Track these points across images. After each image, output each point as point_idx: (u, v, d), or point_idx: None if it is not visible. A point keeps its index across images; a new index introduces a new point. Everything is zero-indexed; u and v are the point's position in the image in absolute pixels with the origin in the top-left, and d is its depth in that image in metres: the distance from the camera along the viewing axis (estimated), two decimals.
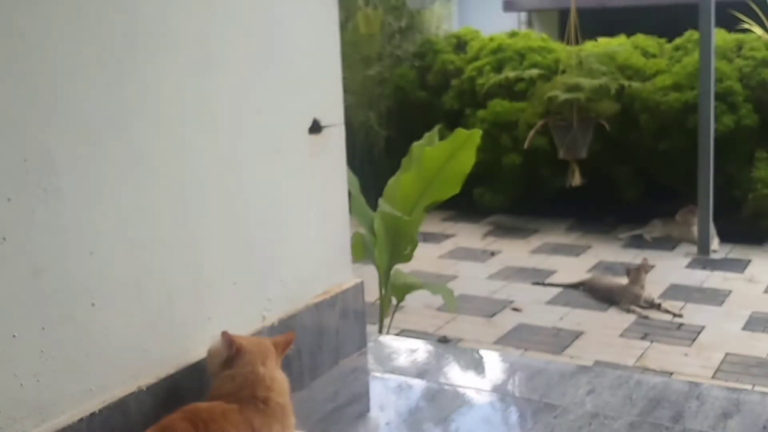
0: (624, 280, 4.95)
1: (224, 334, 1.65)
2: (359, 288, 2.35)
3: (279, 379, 1.63)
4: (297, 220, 2.14)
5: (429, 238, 6.37)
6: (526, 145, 6.18)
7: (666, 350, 4.12)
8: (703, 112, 5.49)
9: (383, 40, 7.07)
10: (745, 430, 1.89)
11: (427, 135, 3.36)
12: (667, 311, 4.58)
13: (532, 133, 6.10)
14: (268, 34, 1.99)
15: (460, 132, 3.17)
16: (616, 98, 6.02)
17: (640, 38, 6.41)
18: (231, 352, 1.63)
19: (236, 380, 1.60)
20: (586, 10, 7.15)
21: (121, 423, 1.63)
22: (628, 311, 4.63)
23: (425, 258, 5.87)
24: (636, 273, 4.72)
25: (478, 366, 2.43)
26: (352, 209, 3.12)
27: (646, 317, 4.55)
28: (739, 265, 5.45)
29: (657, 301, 4.66)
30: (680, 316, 4.53)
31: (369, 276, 4.44)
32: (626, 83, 6.05)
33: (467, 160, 3.13)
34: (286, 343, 1.69)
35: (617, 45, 6.36)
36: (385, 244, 3.22)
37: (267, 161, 2.01)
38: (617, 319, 4.58)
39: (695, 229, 5.75)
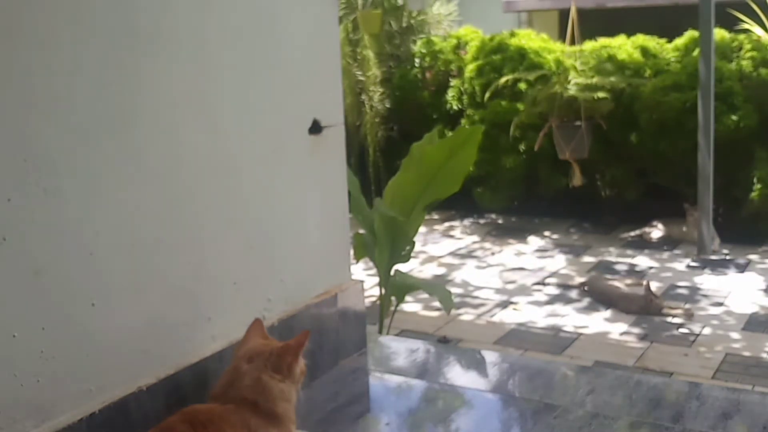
0: (624, 281, 4.95)
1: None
2: (359, 288, 2.35)
3: (267, 383, 1.56)
4: (297, 221, 2.14)
5: (429, 238, 6.37)
6: (536, 147, 6.19)
7: (666, 350, 4.13)
8: (703, 112, 5.50)
9: (384, 40, 7.07)
10: (745, 431, 1.89)
11: (427, 135, 3.36)
12: (676, 310, 4.57)
13: (541, 134, 6.11)
14: (268, 34, 1.99)
15: (462, 129, 3.18)
16: (616, 98, 6.03)
17: (640, 38, 6.42)
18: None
19: (224, 377, 1.59)
20: (586, 10, 7.16)
21: (121, 423, 1.63)
22: (628, 312, 4.63)
23: (425, 258, 5.87)
24: (645, 295, 4.65)
25: (478, 366, 2.43)
26: (352, 209, 3.12)
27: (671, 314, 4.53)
28: (739, 265, 5.46)
29: (666, 310, 4.61)
30: (691, 315, 4.52)
31: (369, 276, 4.45)
32: (626, 83, 6.06)
33: (468, 157, 3.12)
34: (298, 345, 1.60)
35: (617, 45, 6.36)
36: (385, 244, 3.22)
37: (267, 161, 2.01)
38: (617, 319, 4.58)
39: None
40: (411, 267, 5.42)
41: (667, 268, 5.47)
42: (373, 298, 4.04)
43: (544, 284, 5.21)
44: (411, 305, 4.78)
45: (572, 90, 5.95)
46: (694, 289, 5.02)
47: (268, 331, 1.71)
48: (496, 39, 6.81)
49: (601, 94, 5.87)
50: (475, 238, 6.43)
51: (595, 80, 5.96)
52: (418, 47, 7.17)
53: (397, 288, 3.42)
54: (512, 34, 6.86)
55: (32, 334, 1.48)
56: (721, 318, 4.53)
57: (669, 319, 4.54)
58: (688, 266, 5.50)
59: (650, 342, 4.23)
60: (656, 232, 6.13)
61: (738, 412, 1.96)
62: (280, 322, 2.03)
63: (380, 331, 3.39)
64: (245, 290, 1.96)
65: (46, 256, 1.49)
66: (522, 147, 6.46)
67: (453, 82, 6.93)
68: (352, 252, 3.08)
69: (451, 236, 6.49)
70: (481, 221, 6.92)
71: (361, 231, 3.30)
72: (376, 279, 3.41)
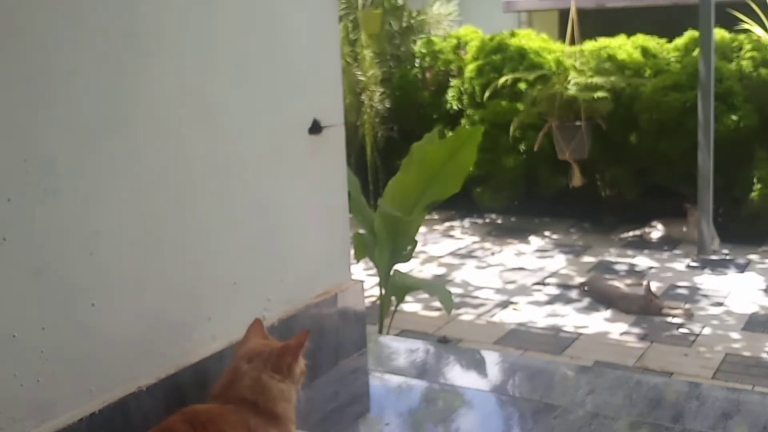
0: (624, 281, 4.95)
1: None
2: (359, 288, 2.35)
3: (267, 383, 1.56)
4: (297, 220, 2.14)
5: (429, 238, 6.37)
6: (536, 148, 6.19)
7: (666, 350, 4.12)
8: (703, 112, 5.50)
9: (384, 40, 7.07)
10: (745, 431, 1.89)
11: (427, 135, 3.36)
12: (676, 310, 4.57)
13: (541, 135, 6.11)
14: (269, 35, 1.99)
15: (462, 130, 3.17)
16: (616, 98, 6.03)
17: (640, 38, 6.42)
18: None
19: (224, 377, 1.59)
20: (586, 10, 7.16)
21: (121, 423, 1.63)
22: (628, 312, 4.63)
23: (425, 258, 5.87)
24: (645, 295, 4.64)
25: (478, 366, 2.43)
26: (352, 209, 3.12)
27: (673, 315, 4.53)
28: (739, 265, 5.45)
29: (666, 310, 4.61)
30: (691, 315, 4.52)
31: (369, 276, 4.45)
32: (626, 83, 6.06)
33: (468, 158, 3.12)
34: (298, 345, 1.60)
35: (617, 45, 6.36)
36: (385, 244, 3.22)
37: (267, 161, 2.01)
38: (617, 319, 4.58)
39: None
40: (411, 267, 5.42)
41: (667, 268, 5.47)
42: (373, 298, 4.04)
43: (544, 284, 5.21)
44: (411, 305, 4.78)
45: (572, 90, 5.94)
46: (694, 289, 5.02)
47: (268, 331, 1.71)
48: (496, 39, 6.81)
49: (600, 94, 5.87)
50: (475, 238, 6.42)
51: (595, 80, 5.96)
52: (418, 47, 7.17)
53: (397, 288, 3.42)
54: (512, 34, 6.86)
55: (32, 334, 1.48)
56: (721, 318, 4.53)
57: (669, 319, 4.53)
58: (688, 266, 5.50)
59: (650, 342, 4.23)
60: (656, 232, 6.13)
61: (738, 412, 1.96)
62: (280, 322, 2.03)
63: (380, 331, 3.39)
64: (245, 290, 1.96)
65: (46, 256, 1.49)
66: (522, 147, 6.46)
67: (453, 82, 6.93)
68: (352, 252, 3.08)
69: (451, 236, 6.49)
70: (481, 221, 6.92)
71: (361, 231, 3.30)
72: (376, 279, 3.41)
